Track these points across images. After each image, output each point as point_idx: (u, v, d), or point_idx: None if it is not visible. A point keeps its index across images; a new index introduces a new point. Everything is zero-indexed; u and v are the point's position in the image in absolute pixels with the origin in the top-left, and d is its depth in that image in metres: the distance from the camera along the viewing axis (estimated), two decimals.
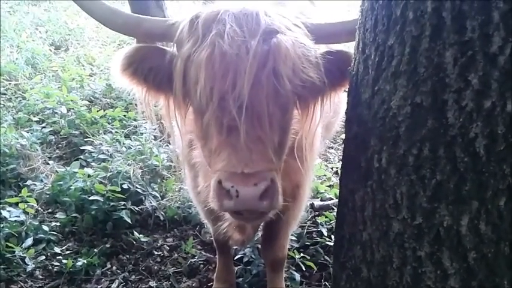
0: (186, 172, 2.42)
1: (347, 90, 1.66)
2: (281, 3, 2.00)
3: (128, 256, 3.15)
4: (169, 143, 3.88)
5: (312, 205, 3.47)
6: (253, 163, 1.56)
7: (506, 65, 1.17)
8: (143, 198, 3.51)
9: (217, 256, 2.89)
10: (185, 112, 1.77)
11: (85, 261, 2.95)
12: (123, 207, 3.33)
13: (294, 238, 3.15)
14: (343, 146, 1.70)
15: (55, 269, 2.97)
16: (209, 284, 2.91)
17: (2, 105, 4.75)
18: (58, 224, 3.33)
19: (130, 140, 4.12)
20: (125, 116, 4.58)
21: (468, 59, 1.20)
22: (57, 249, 3.10)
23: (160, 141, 4.20)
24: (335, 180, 4.01)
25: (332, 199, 3.66)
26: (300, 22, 1.71)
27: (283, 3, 2.04)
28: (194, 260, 3.12)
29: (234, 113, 1.55)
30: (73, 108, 4.62)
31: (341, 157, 1.70)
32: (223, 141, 1.60)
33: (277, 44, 1.57)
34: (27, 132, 4.18)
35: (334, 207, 3.46)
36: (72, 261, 2.96)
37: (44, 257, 3.03)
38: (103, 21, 1.86)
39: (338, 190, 1.89)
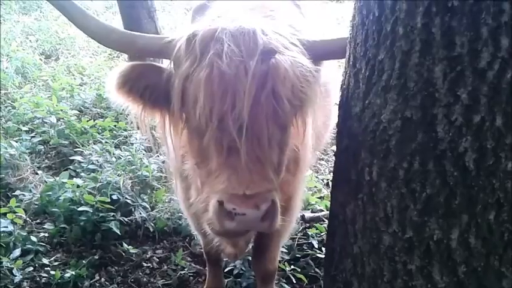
0: (177, 184, 2.41)
1: (338, 103, 1.67)
2: (271, 17, 2.02)
3: (116, 268, 3.11)
4: (160, 154, 3.86)
5: (302, 217, 3.47)
6: (254, 184, 1.55)
7: (494, 80, 1.18)
8: (133, 209, 3.48)
9: (207, 268, 2.88)
10: (181, 130, 1.76)
11: (73, 272, 2.92)
12: (112, 218, 3.30)
13: (284, 250, 3.14)
14: (334, 158, 1.70)
15: (43, 281, 2.92)
16: None
17: None
18: (46, 234, 3.29)
19: (121, 150, 4.09)
20: (115, 126, 4.56)
21: (457, 74, 1.21)
22: (45, 261, 3.06)
23: (151, 151, 4.18)
24: (326, 191, 4.01)
25: (323, 211, 3.65)
26: (297, 40, 1.71)
27: (274, 17, 2.05)
28: (184, 272, 3.09)
29: (234, 134, 1.55)
30: (63, 118, 4.59)
31: (332, 169, 1.70)
32: (223, 163, 1.59)
33: (275, 64, 1.56)
34: (16, 142, 4.13)
35: (325, 219, 3.46)
36: (61, 273, 2.92)
37: (32, 268, 2.99)
38: (98, 39, 1.84)
39: (329, 202, 1.89)
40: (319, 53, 1.72)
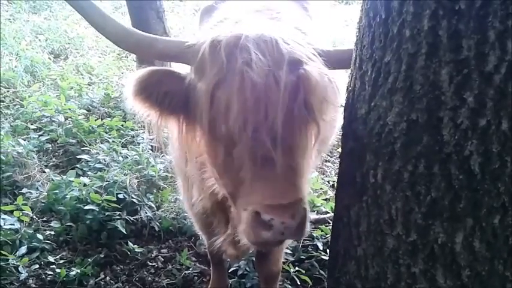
0: (180, 183, 2.42)
1: (343, 105, 1.67)
2: (277, 18, 2.02)
3: (121, 267, 3.12)
4: (166, 154, 3.87)
5: None
6: (289, 194, 1.56)
7: (501, 84, 1.18)
8: (138, 208, 3.50)
9: (211, 268, 2.88)
10: (202, 137, 1.73)
11: (79, 270, 2.93)
12: (118, 217, 3.31)
13: (289, 252, 3.14)
14: (339, 160, 1.70)
15: (48, 278, 2.94)
16: None
17: None
18: (52, 232, 3.30)
19: (127, 149, 4.11)
20: (122, 125, 4.58)
21: (464, 78, 1.21)
22: (51, 258, 3.08)
23: (157, 151, 4.20)
24: (331, 193, 4.01)
25: (328, 213, 3.65)
26: (313, 49, 1.71)
27: (280, 18, 2.05)
28: (188, 271, 3.10)
29: (269, 144, 1.54)
30: (71, 117, 4.61)
31: (337, 171, 1.70)
32: (257, 173, 1.57)
33: (306, 75, 1.57)
34: (24, 140, 4.16)
35: (330, 221, 3.45)
36: (66, 271, 2.93)
37: (37, 266, 3.01)
38: (116, 41, 1.81)
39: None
40: (333, 61, 1.72)
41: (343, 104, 1.69)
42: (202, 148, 1.77)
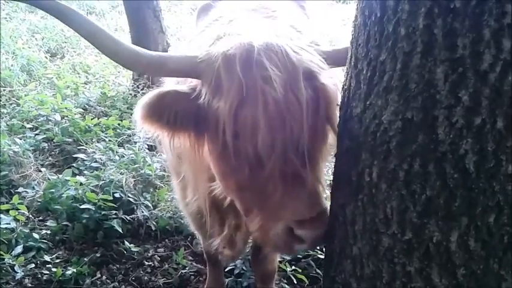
0: (174, 183, 2.42)
1: (339, 104, 1.67)
2: (273, 17, 2.01)
3: (118, 266, 3.12)
4: (163, 153, 3.87)
5: None
6: (316, 206, 1.63)
7: (496, 83, 1.17)
8: (135, 207, 3.50)
9: (207, 267, 2.88)
10: (217, 154, 1.71)
11: (75, 270, 2.93)
12: (114, 216, 3.31)
13: None
14: (334, 159, 1.70)
15: (44, 278, 2.94)
16: None
17: None
18: (49, 232, 3.30)
19: (124, 148, 4.11)
20: (118, 124, 4.58)
21: (459, 76, 1.20)
22: (47, 258, 3.08)
23: (154, 150, 4.19)
24: (327, 192, 4.00)
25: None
26: (316, 52, 1.72)
27: (275, 17, 2.05)
28: (185, 271, 3.10)
29: (297, 162, 1.56)
30: (67, 116, 4.61)
31: (333, 170, 1.70)
32: (286, 190, 1.59)
33: (323, 89, 1.61)
34: (20, 139, 4.16)
35: None
36: (62, 270, 2.93)
37: (33, 265, 3.01)
38: (128, 65, 1.80)
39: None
40: (332, 61, 1.74)
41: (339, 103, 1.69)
42: (213, 164, 1.76)
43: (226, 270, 3.04)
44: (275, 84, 1.52)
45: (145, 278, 3.03)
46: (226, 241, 2.04)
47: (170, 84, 1.99)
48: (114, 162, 3.86)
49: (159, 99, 1.64)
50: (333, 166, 1.68)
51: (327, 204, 1.70)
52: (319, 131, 1.64)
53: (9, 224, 3.14)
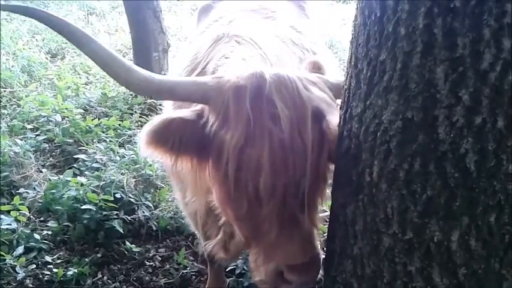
0: (174, 184, 2.43)
1: (339, 104, 1.67)
2: (272, 18, 2.01)
3: (119, 266, 3.13)
4: None
5: None
6: (309, 251, 1.65)
7: (496, 82, 1.17)
8: (136, 208, 3.50)
9: (208, 268, 2.88)
10: (225, 187, 1.69)
11: (76, 270, 2.93)
12: (115, 216, 3.32)
13: None
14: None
15: (46, 278, 2.94)
16: None
17: None
18: (50, 232, 3.30)
19: (125, 149, 4.11)
20: (119, 125, 4.58)
21: (459, 76, 1.20)
22: (48, 258, 3.08)
23: None
24: (328, 192, 4.00)
25: (326, 211, 3.64)
26: (325, 85, 1.72)
27: (275, 18, 2.05)
28: (186, 271, 3.10)
29: (296, 206, 1.57)
30: (68, 117, 4.61)
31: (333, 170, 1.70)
32: (281, 232, 1.60)
33: (329, 128, 1.60)
34: (21, 140, 4.16)
35: (327, 220, 3.44)
36: (63, 271, 2.93)
37: (34, 266, 3.01)
38: (138, 91, 1.80)
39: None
40: (338, 93, 1.73)
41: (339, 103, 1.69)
42: (214, 188, 1.76)
43: (227, 270, 3.04)
44: (282, 125, 1.52)
45: (147, 278, 3.03)
46: (220, 245, 2.04)
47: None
48: (115, 162, 3.86)
49: (165, 127, 1.63)
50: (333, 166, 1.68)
51: (319, 247, 1.73)
52: (321, 174, 1.64)
53: (10, 224, 3.15)
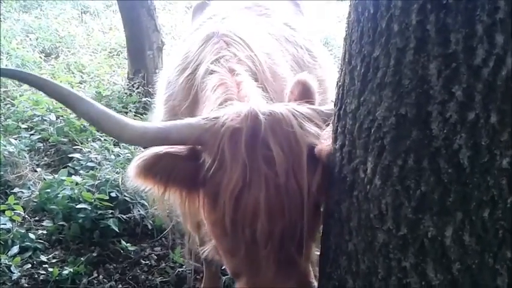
0: None
1: (333, 100, 1.67)
2: (266, 15, 2.01)
3: (114, 265, 3.12)
4: None
5: None
6: (303, 285, 1.67)
7: (489, 78, 1.18)
8: (131, 206, 3.49)
9: (204, 266, 2.88)
10: (221, 228, 1.68)
11: (71, 269, 2.93)
12: (110, 215, 3.31)
13: None
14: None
15: (41, 278, 2.94)
16: None
17: None
18: (45, 232, 3.30)
19: (119, 148, 4.10)
20: None
21: (452, 72, 1.21)
22: (43, 258, 3.08)
23: None
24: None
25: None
26: (319, 117, 1.72)
27: (269, 15, 2.05)
28: (182, 269, 3.10)
29: (293, 249, 1.59)
30: (62, 116, 4.60)
31: None
32: (278, 271, 1.60)
33: (324, 167, 1.61)
34: (16, 140, 4.15)
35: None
36: (59, 270, 2.93)
37: (30, 265, 3.01)
38: (133, 142, 1.80)
39: None
40: (330, 118, 1.73)
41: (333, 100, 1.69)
42: (207, 223, 1.76)
43: (223, 268, 3.04)
44: (278, 170, 1.52)
45: (142, 276, 3.03)
46: (216, 251, 2.04)
47: (161, 111, 1.99)
48: (109, 161, 3.86)
49: (155, 161, 1.62)
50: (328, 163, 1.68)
51: (315, 283, 1.73)
52: (318, 213, 1.65)
53: (5, 224, 3.14)
